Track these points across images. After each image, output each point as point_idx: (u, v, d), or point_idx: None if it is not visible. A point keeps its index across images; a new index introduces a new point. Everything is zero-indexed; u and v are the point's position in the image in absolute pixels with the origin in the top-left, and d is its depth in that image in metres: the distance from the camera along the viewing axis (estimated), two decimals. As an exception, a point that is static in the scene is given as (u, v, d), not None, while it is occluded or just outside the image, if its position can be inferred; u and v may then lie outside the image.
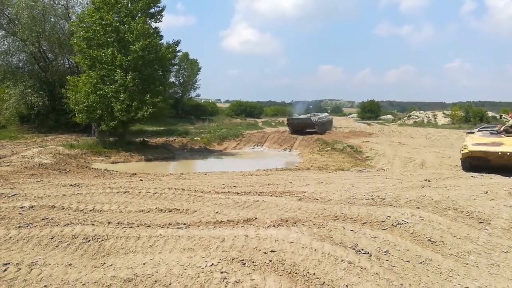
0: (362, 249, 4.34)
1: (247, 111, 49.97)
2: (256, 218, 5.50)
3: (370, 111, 55.11)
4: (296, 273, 3.81)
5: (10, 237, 4.70)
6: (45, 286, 3.56)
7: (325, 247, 4.37)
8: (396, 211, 5.78)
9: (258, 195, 7.32)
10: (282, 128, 31.20)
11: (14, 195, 7.01)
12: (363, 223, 5.26)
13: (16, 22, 21.77)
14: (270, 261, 4.01)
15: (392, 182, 8.81)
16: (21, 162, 11.87)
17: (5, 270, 3.84)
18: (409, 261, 4.18)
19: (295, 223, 5.21)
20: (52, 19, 22.91)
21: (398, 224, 5.20)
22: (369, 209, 5.94)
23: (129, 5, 17.65)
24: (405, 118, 44.54)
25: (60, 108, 20.92)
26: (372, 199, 6.69)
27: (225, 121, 35.94)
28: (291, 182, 9.08)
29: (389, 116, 57.10)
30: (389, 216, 5.47)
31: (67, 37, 22.05)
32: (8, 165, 11.22)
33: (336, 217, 5.56)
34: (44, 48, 23.39)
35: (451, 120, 37.02)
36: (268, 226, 5.11)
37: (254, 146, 23.30)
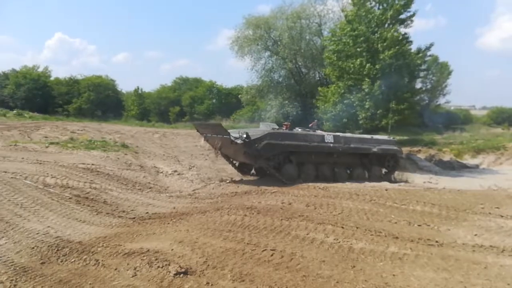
0: None
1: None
2: (529, 248, 4.54)
3: None
4: None
5: (275, 227, 5.46)
6: (303, 276, 3.95)
7: None
8: None
9: (531, 220, 6.02)
10: None
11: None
12: None
13: (279, 43, 25.40)
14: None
15: None
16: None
17: (272, 255, 4.48)
18: None
19: None
20: (307, 37, 25.66)
21: None
22: None
23: (380, 14, 17.69)
24: None
25: (310, 117, 23.12)
26: None
27: (481, 130, 31.26)
28: None
29: None
30: None
31: (319, 51, 24.19)
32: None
33: None
34: (299, 64, 26.43)
35: None
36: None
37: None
